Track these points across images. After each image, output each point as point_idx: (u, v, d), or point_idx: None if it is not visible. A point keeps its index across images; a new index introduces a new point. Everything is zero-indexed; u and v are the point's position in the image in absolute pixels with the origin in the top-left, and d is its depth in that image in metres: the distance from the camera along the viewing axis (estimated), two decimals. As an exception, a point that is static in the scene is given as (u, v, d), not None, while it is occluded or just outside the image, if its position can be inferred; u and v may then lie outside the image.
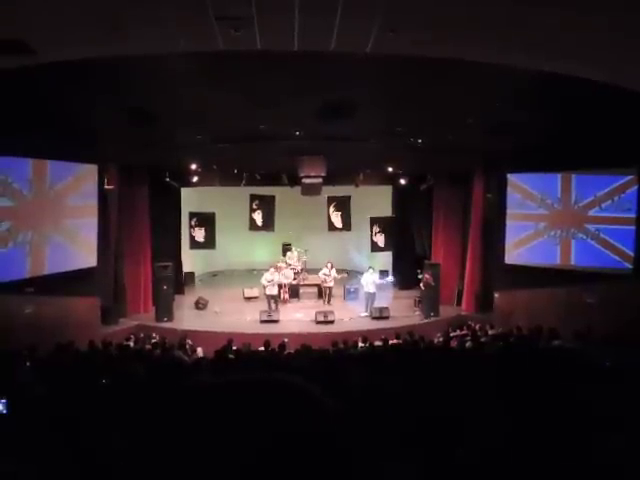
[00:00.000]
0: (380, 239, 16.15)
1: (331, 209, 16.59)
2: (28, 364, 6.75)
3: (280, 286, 13.91)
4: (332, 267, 14.11)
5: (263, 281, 13.68)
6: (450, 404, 3.90)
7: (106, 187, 11.86)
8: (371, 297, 13.38)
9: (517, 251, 12.57)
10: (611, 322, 9.18)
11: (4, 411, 3.26)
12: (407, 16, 5.11)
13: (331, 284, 14.04)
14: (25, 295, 9.87)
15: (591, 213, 11.51)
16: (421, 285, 13.45)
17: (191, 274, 16.39)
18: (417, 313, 13.57)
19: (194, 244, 15.79)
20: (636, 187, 10.77)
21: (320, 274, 14.24)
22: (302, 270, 15.55)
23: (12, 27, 5.12)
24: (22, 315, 9.69)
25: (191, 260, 16.25)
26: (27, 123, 8.76)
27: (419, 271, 13.89)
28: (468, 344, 8.96)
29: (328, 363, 7.11)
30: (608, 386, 4.47)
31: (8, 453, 2.48)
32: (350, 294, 14.69)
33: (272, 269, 13.93)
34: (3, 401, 3.27)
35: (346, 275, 14.99)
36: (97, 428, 2.99)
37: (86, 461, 2.53)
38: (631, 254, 10.89)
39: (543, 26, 5.15)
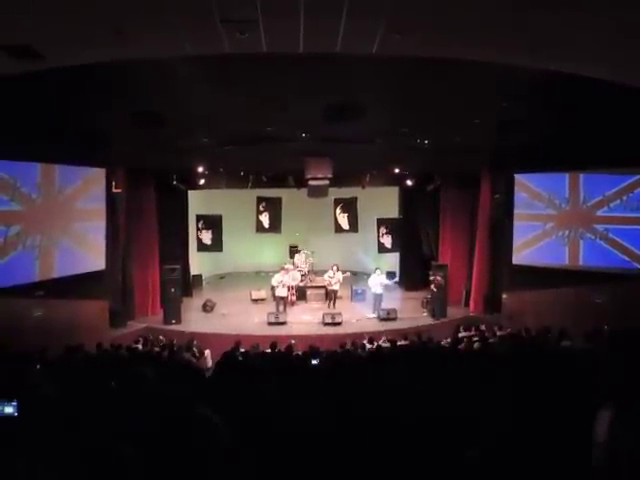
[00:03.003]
0: (387, 240, 16.13)
1: (338, 210, 16.60)
2: (38, 366, 6.80)
3: (287, 288, 13.92)
4: (337, 270, 14.09)
5: (274, 282, 13.72)
6: (458, 405, 3.89)
7: (114, 190, 11.93)
8: (378, 298, 13.36)
9: (525, 252, 12.52)
10: (620, 322, 9.11)
11: (15, 413, 3.29)
12: (412, 18, 5.11)
13: (336, 287, 14.01)
14: (35, 298, 9.94)
15: (599, 213, 11.45)
16: (432, 287, 13.41)
17: (198, 276, 16.45)
18: (425, 314, 13.54)
19: (201, 246, 15.84)
20: (645, 186, 10.71)
21: (325, 276, 14.24)
22: (309, 272, 15.57)
23: (20, 33, 5.17)
24: (32, 318, 9.76)
25: (198, 262, 16.31)
26: (35, 128, 8.83)
27: (430, 272, 13.86)
28: (476, 345, 8.92)
29: (337, 364, 7.11)
30: (616, 387, 4.44)
31: (18, 454, 2.50)
32: (357, 295, 14.68)
33: (282, 271, 13.98)
34: (14, 403, 3.29)
35: (349, 274, 14.96)
36: (107, 430, 3.01)
37: (95, 463, 2.54)
38: (640, 254, 10.83)
39: (548, 26, 5.13)
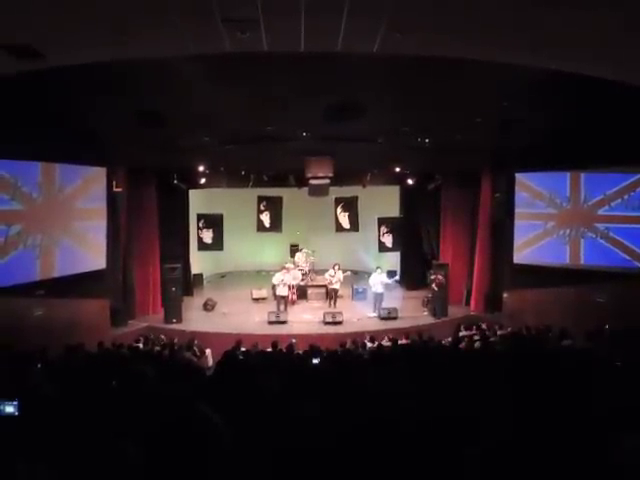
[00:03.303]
0: (388, 239, 16.14)
1: (338, 210, 16.61)
2: (39, 366, 6.80)
3: (288, 287, 13.93)
4: (338, 269, 14.08)
5: (274, 281, 13.73)
6: (459, 404, 3.89)
7: (115, 189, 11.93)
8: (379, 297, 13.36)
9: (526, 251, 12.51)
10: (621, 321, 9.11)
11: (16, 412, 3.29)
12: (413, 17, 5.10)
13: (336, 286, 14.01)
14: (35, 298, 9.94)
15: (600, 212, 11.44)
16: (433, 286, 13.40)
17: (199, 275, 16.45)
18: (425, 313, 13.54)
19: (202, 246, 15.85)
20: (646, 185, 10.69)
21: (326, 275, 14.24)
22: (310, 271, 15.57)
23: (20, 32, 5.17)
24: (33, 317, 9.77)
25: (199, 261, 16.31)
26: (36, 127, 8.83)
27: (431, 271, 13.85)
28: (477, 344, 8.92)
29: (338, 363, 7.11)
30: (619, 385, 4.44)
31: (19, 454, 2.50)
32: (358, 294, 14.68)
33: (283, 270, 13.98)
34: (15, 402, 3.30)
35: (349, 273, 14.95)
36: (108, 429, 3.01)
37: (97, 462, 2.54)
38: (641, 253, 10.81)
39: (549, 25, 5.12)
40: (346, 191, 15.84)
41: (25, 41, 5.36)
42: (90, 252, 11.44)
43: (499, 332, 10.21)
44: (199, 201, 15.83)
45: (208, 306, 13.89)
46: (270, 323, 12.65)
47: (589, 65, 6.40)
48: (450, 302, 13.65)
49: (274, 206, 16.25)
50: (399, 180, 15.00)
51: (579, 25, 5.10)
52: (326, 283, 14.26)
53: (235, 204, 16.24)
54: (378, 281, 13.42)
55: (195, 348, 9.69)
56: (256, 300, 14.70)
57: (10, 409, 3.32)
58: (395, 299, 14.18)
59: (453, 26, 5.27)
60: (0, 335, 8.37)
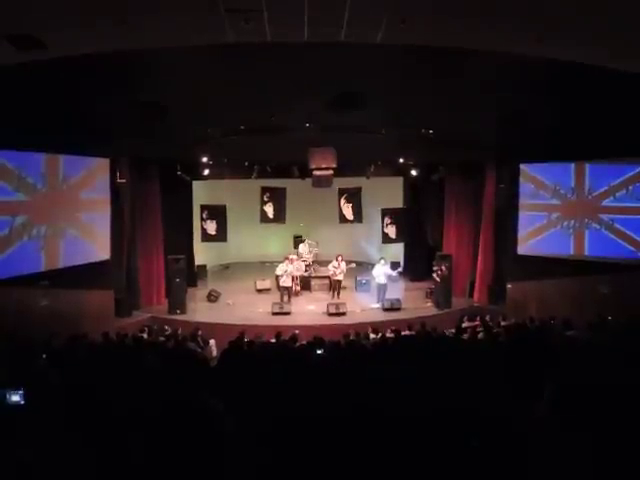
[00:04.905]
0: (391, 230, 16.10)
1: (342, 201, 16.56)
2: (44, 356, 6.86)
3: (292, 278, 13.94)
4: (341, 260, 14.07)
5: (278, 272, 13.74)
6: (462, 395, 3.90)
7: (118, 181, 11.95)
8: (382, 289, 13.37)
9: (530, 242, 12.49)
10: (625, 312, 9.10)
11: (21, 401, 3.33)
12: (416, 6, 5.07)
13: (340, 277, 14.01)
14: (41, 288, 10.00)
15: (605, 203, 11.38)
16: (436, 277, 13.39)
17: (203, 267, 16.49)
18: (429, 304, 13.55)
19: (206, 237, 15.85)
20: (651, 176, 10.63)
21: (329, 267, 14.23)
22: (313, 262, 15.58)
23: (21, 21, 5.16)
24: (37, 308, 9.83)
25: (203, 253, 16.34)
26: (40, 118, 8.83)
27: (434, 263, 13.84)
28: (480, 335, 8.93)
29: (341, 354, 7.13)
30: (620, 375, 4.44)
31: (25, 441, 2.53)
32: (361, 286, 14.69)
33: (286, 261, 13.99)
34: (20, 392, 3.33)
35: (353, 265, 14.92)
36: (112, 418, 3.04)
37: (101, 451, 2.57)
38: (646, 244, 10.77)
39: (559, 13, 5.09)
40: (350, 182, 15.79)
41: (27, 31, 5.36)
42: (94, 243, 11.48)
43: (503, 323, 10.21)
44: (203, 192, 15.83)
45: (212, 297, 13.94)
46: (274, 314, 12.68)
47: (599, 55, 6.35)
48: (453, 293, 13.64)
49: (278, 197, 16.22)
50: (403, 171, 14.96)
51: (590, 14, 5.06)
52: (329, 274, 14.26)
53: (239, 195, 16.24)
54: (382, 272, 13.43)
55: (199, 339, 9.72)
56: (260, 291, 14.73)
57: (16, 398, 3.35)
58: (398, 290, 14.20)
59: (455, 13, 5.24)
60: (5, 325, 8.43)
